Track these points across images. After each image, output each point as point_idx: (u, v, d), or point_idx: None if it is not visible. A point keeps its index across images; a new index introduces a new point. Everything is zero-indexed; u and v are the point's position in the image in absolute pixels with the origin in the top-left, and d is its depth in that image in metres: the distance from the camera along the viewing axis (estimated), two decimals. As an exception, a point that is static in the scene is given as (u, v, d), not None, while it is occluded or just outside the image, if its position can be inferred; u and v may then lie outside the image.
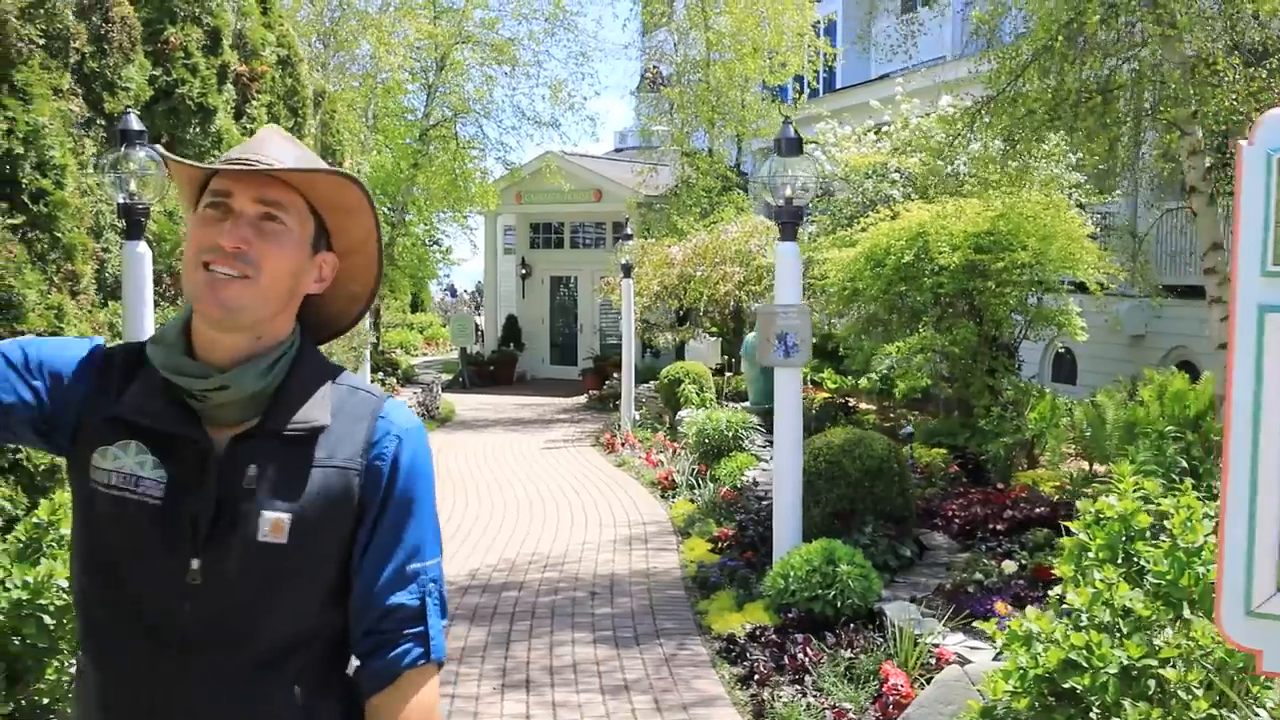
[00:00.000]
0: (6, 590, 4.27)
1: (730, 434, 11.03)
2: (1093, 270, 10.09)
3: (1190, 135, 7.26)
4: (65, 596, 4.42)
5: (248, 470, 1.58)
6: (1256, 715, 3.56)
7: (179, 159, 1.62)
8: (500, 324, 25.14)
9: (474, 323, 25.79)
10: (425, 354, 31.23)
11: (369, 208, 1.68)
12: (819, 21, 20.96)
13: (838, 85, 21.66)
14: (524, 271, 25.33)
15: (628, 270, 15.37)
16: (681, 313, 17.63)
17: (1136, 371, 10.87)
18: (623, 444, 13.83)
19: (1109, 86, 7.33)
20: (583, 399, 20.32)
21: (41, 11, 5.24)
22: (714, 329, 17.33)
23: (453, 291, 43.66)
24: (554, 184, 21.35)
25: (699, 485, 10.53)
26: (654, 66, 22.41)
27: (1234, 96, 6.25)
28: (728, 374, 16.27)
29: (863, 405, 14.04)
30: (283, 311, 1.64)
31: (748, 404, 13.75)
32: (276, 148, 1.63)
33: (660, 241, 17.15)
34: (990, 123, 8.27)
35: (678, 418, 13.95)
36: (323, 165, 1.67)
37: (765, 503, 8.75)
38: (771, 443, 11.73)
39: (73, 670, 4.69)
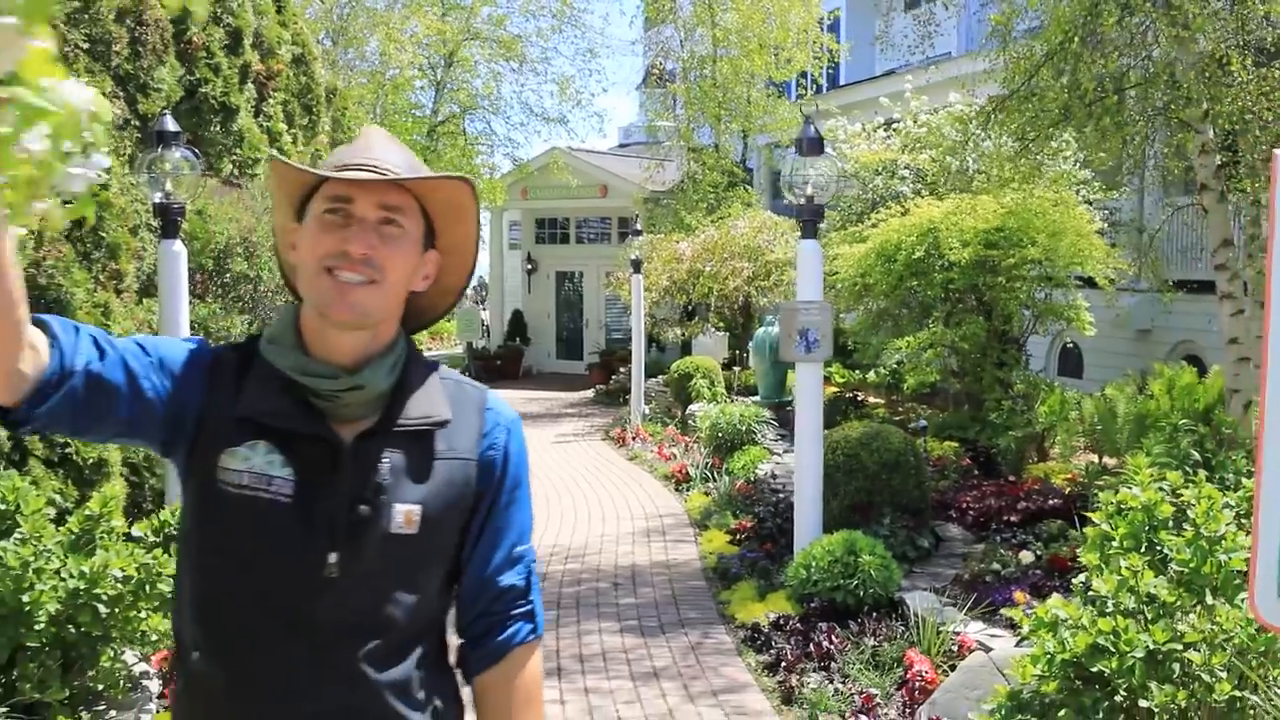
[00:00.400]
0: (63, 580, 4.40)
1: (743, 428, 11.18)
2: (1101, 265, 10.24)
3: (1202, 134, 7.39)
4: (119, 586, 4.56)
5: (380, 465, 1.62)
6: (1278, 696, 3.69)
7: (295, 164, 1.64)
8: (506, 319, 25.28)
9: (480, 317, 25.90)
10: (430, 348, 31.37)
11: (475, 208, 1.73)
12: (824, 18, 21.07)
13: (842, 81, 21.77)
14: (530, 267, 25.45)
15: (637, 266, 15.50)
16: (690, 308, 17.77)
17: (1143, 366, 11.02)
18: (634, 438, 13.96)
19: (1122, 85, 7.46)
20: (589, 393, 20.45)
21: (85, 16, 5.37)
22: (721, 324, 17.47)
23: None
24: (560, 180, 21.48)
25: (713, 478, 10.67)
26: (660, 63, 22.52)
27: (1246, 97, 6.38)
28: (736, 368, 16.42)
29: (871, 399, 14.18)
30: (398, 311, 1.69)
31: (757, 398, 13.90)
32: (387, 151, 1.66)
33: (669, 237, 17.27)
34: (1003, 120, 8.39)
35: (689, 412, 14.09)
36: (430, 172, 1.71)
37: (781, 496, 8.90)
38: (783, 437, 11.92)
39: (124, 658, 4.84)
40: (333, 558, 1.60)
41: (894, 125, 14.09)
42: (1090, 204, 11.72)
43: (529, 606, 1.77)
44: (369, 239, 1.60)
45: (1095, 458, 9.55)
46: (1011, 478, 9.18)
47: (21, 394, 1.46)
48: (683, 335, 18.08)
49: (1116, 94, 7.33)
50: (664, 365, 18.74)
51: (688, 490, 10.70)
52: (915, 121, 13.44)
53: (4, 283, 1.33)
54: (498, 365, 23.87)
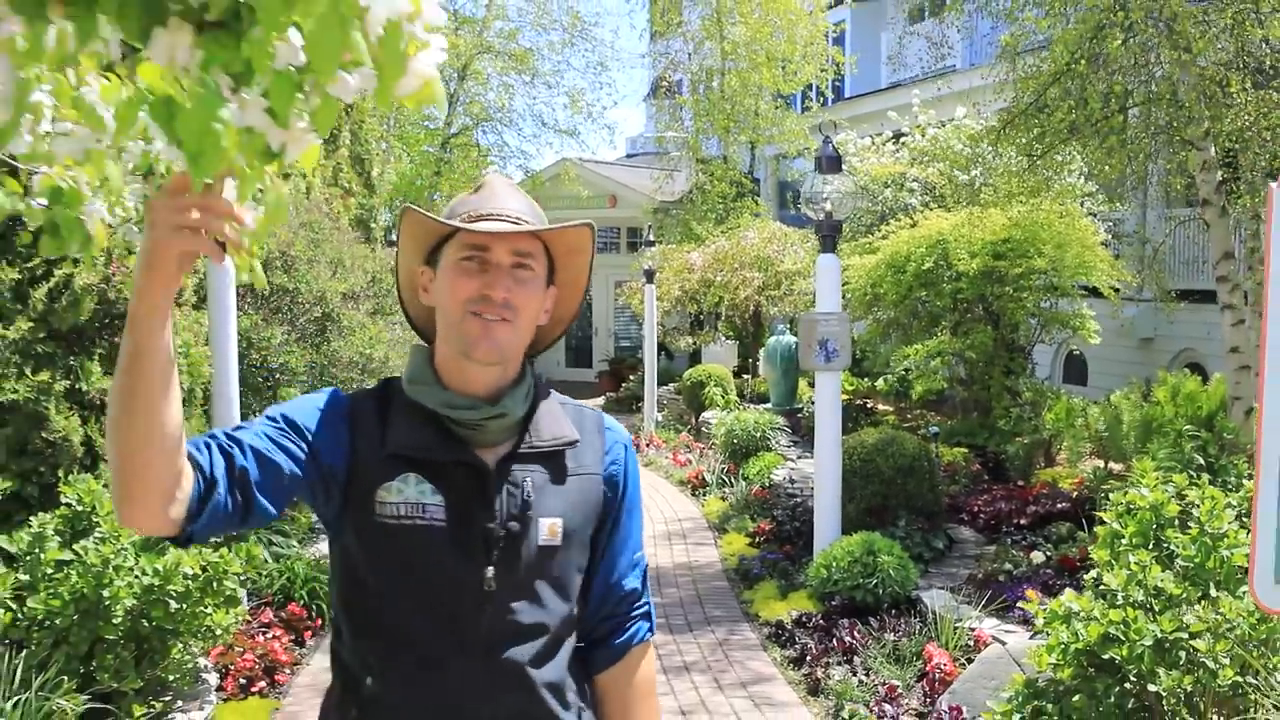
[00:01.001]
0: (138, 577, 4.70)
1: (758, 434, 11.47)
2: (1106, 276, 10.54)
3: (1203, 151, 7.69)
4: (187, 584, 4.85)
5: (525, 484, 1.76)
6: (1277, 682, 3.98)
7: (432, 216, 1.77)
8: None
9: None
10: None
11: (592, 249, 1.87)
12: (830, 30, 21.39)
13: (848, 94, 22.08)
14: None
15: (650, 275, 15.80)
16: (700, 317, 18.07)
17: (1147, 374, 11.30)
18: (647, 444, 14.25)
19: (1126, 104, 7.76)
20: (600, 401, 20.74)
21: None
22: (731, 332, 17.76)
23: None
24: (571, 190, 21.79)
25: (729, 483, 10.96)
26: (668, 75, 22.84)
27: (1245, 117, 6.69)
28: (746, 376, 16.72)
29: (880, 407, 14.46)
30: (525, 344, 1.83)
31: (768, 405, 14.20)
32: (512, 200, 1.79)
33: (680, 247, 17.58)
34: (1012, 136, 8.69)
35: (702, 419, 14.38)
36: (548, 222, 1.84)
37: (797, 499, 9.19)
38: (796, 443, 12.22)
39: (192, 652, 5.14)
40: (489, 572, 1.71)
41: (903, 139, 14.39)
42: (1095, 216, 12.04)
43: (646, 607, 1.94)
44: (506, 283, 1.73)
45: (1101, 463, 9.84)
46: (1020, 482, 9.47)
47: (181, 520, 1.53)
48: (694, 344, 18.37)
49: (1121, 112, 7.63)
50: (673, 373, 19.04)
51: (704, 495, 10.99)
52: (923, 134, 13.74)
53: (165, 363, 1.42)
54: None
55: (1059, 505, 8.13)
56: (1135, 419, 8.83)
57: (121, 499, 1.48)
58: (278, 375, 8.15)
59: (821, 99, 21.79)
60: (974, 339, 10.66)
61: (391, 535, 1.71)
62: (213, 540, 5.49)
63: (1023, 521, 7.98)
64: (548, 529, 1.76)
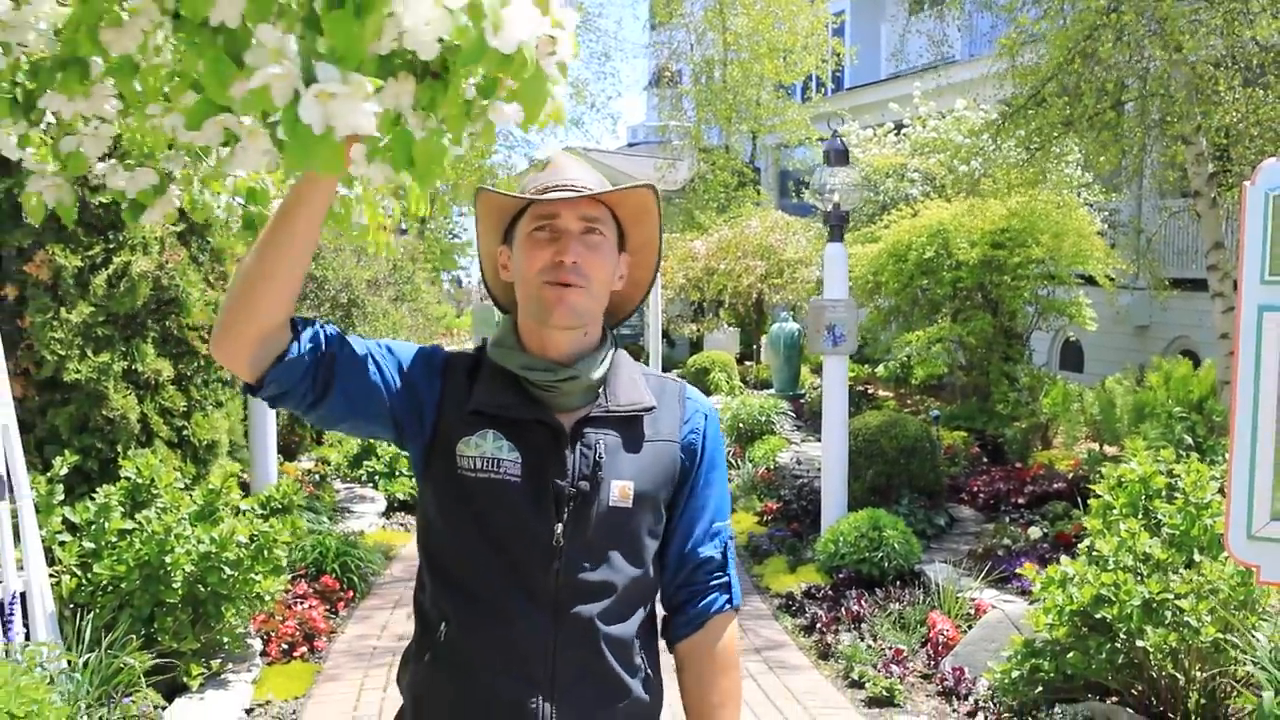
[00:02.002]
0: (196, 545, 5.03)
1: (763, 418, 11.80)
2: (1101, 265, 10.87)
3: (1194, 145, 8.02)
4: (240, 551, 5.19)
5: (597, 446, 1.81)
6: (1255, 640, 4.32)
7: (503, 192, 1.85)
8: (519, 315, 25.85)
9: (495, 314, 26.46)
10: (444, 344, 31.86)
11: (658, 210, 1.89)
12: (830, 21, 21.66)
13: (848, 84, 22.37)
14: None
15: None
16: (703, 304, 18.38)
17: (1142, 360, 11.65)
18: (653, 429, 14.54)
19: (1120, 100, 8.09)
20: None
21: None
22: (734, 320, 18.09)
23: (459, 282, 44.36)
24: (574, 179, 22.02)
25: (735, 466, 11.29)
26: (670, 65, 23.09)
27: (1234, 113, 7.02)
28: (749, 363, 17.06)
29: (881, 393, 14.79)
30: (602, 309, 1.87)
31: (772, 391, 14.53)
32: (579, 171, 1.84)
33: (683, 236, 17.89)
34: (1010, 129, 9.01)
35: (707, 404, 14.71)
36: (617, 185, 1.89)
37: (802, 480, 9.53)
38: (800, 427, 12.56)
39: (243, 616, 5.46)
40: (559, 528, 1.77)
41: (904, 130, 14.70)
42: (1092, 207, 12.37)
43: (725, 578, 1.93)
44: (576, 248, 1.78)
45: (1096, 445, 10.19)
46: (1018, 464, 9.81)
47: (266, 364, 1.65)
48: (697, 331, 18.69)
49: (1114, 108, 7.96)
50: (675, 360, 19.37)
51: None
52: (924, 125, 14.05)
53: (314, 229, 1.59)
54: (511, 360, 24.41)
55: (1055, 485, 8.47)
56: (1129, 403, 9.17)
57: (222, 329, 1.62)
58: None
59: (823, 89, 22.08)
60: (973, 326, 10.98)
61: (469, 488, 1.78)
62: (262, 511, 5.84)
63: (1020, 501, 8.32)
64: (619, 491, 1.80)
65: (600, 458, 1.80)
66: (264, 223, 1.72)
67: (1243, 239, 3.08)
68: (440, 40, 1.07)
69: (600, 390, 1.85)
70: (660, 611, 1.97)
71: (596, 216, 1.81)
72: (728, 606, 1.93)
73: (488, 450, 1.78)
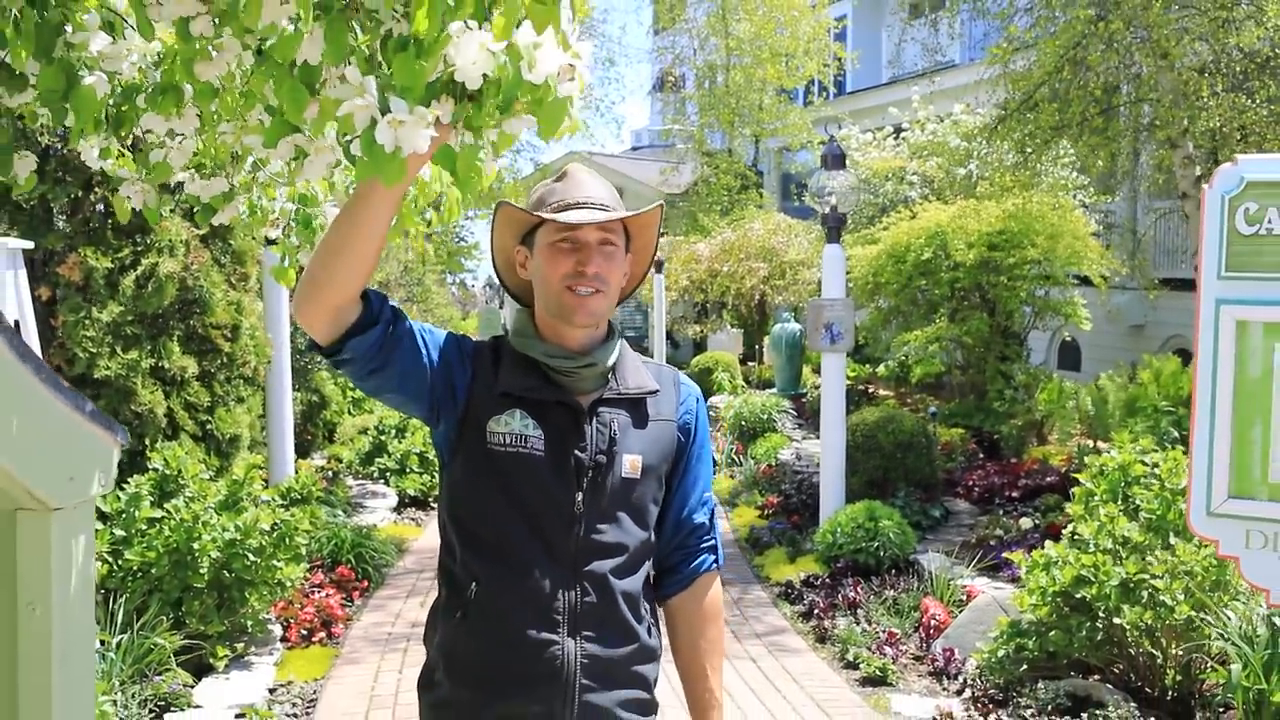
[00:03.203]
0: (222, 533, 5.29)
1: (765, 417, 12.05)
2: (1096, 266, 11.11)
3: (1182, 148, 8.26)
4: (263, 538, 5.44)
5: (611, 424, 2.04)
6: (1226, 617, 4.56)
7: (527, 210, 2.06)
8: (525, 317, 26.12)
9: (500, 316, 26.74)
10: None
11: (658, 221, 2.17)
12: (831, 26, 21.92)
13: (849, 88, 22.62)
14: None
15: (659, 266, 16.36)
16: (706, 305, 18.63)
17: (1137, 358, 11.88)
18: (658, 428, 14.79)
19: (1110, 104, 8.34)
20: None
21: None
22: (737, 321, 18.34)
23: (465, 285, 44.68)
24: (579, 183, 22.28)
25: (738, 463, 11.54)
26: (674, 70, 23.36)
27: (1217, 119, 7.26)
28: (751, 363, 17.31)
29: (881, 391, 15.03)
30: (615, 306, 2.12)
31: (774, 390, 14.78)
32: (595, 188, 2.06)
33: (687, 239, 18.15)
34: (1004, 133, 9.25)
35: (710, 403, 14.97)
36: (624, 207, 2.11)
37: (802, 476, 9.77)
38: (801, 425, 12.81)
39: (265, 602, 5.71)
40: (579, 496, 2.00)
41: (902, 134, 14.94)
42: (1087, 208, 12.61)
43: (712, 540, 2.19)
44: (596, 260, 2.01)
45: (1090, 441, 10.42)
46: (1013, 460, 10.04)
47: (340, 330, 1.87)
48: (700, 332, 18.94)
49: (1103, 114, 8.20)
50: (679, 361, 19.61)
51: (715, 473, 11.55)
52: (922, 129, 14.30)
53: (389, 213, 1.79)
54: (517, 361, 24.67)
55: (1048, 479, 8.71)
56: (1120, 399, 9.40)
57: (304, 296, 1.83)
58: (319, 360, 8.72)
59: (824, 93, 22.33)
60: (971, 326, 11.22)
61: (498, 461, 1.99)
62: (283, 501, 6.10)
63: (1014, 494, 8.56)
64: (629, 463, 2.03)
65: (615, 434, 2.03)
66: (311, 221, 1.98)
67: (1202, 238, 3.33)
68: (484, 75, 1.32)
69: (610, 375, 2.08)
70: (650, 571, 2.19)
71: (612, 229, 2.05)
72: (714, 565, 2.19)
73: (515, 427, 2.00)
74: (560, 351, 2.05)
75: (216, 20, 1.39)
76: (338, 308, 1.84)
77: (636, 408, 2.09)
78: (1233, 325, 3.30)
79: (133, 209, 1.84)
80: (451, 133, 1.54)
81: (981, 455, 10.43)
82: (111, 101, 1.77)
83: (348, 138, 1.36)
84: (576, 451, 2.01)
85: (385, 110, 1.21)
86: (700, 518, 2.17)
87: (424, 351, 2.00)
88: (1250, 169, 3.30)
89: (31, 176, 1.74)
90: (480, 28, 1.31)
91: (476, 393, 2.03)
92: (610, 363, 2.08)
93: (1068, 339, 14.30)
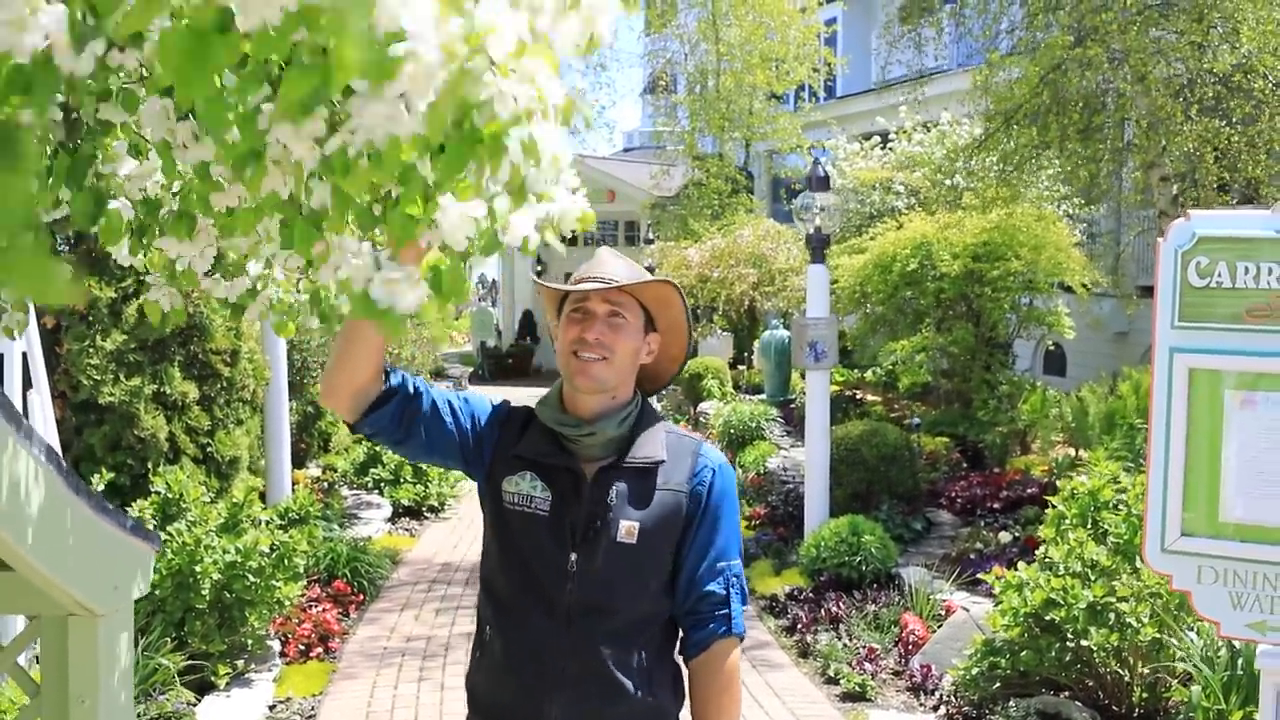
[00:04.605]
0: (223, 555, 5.46)
1: (753, 424, 12.23)
2: (1079, 276, 11.31)
3: (1159, 168, 8.46)
4: (262, 560, 5.62)
5: (610, 491, 2.16)
6: (1188, 640, 4.76)
7: (549, 284, 2.29)
8: (517, 319, 26.30)
9: (493, 318, 26.90)
10: (444, 347, 32.30)
11: (680, 301, 2.27)
12: (822, 31, 22.09)
13: (839, 93, 22.79)
14: (539, 269, 26.45)
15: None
16: (697, 310, 18.80)
17: (1120, 364, 12.10)
18: (648, 434, 14.95)
19: (1088, 126, 8.53)
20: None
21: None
22: (727, 326, 18.51)
23: (459, 283, 44.80)
24: (569, 186, 22.43)
25: (727, 471, 11.72)
26: (665, 73, 23.51)
27: (1190, 143, 7.46)
28: (741, 368, 17.48)
29: (869, 397, 15.23)
30: (629, 378, 2.24)
31: (763, 396, 14.96)
32: (612, 265, 2.23)
33: (678, 244, 18.32)
34: (988, 148, 9.45)
35: (700, 409, 15.14)
36: (649, 277, 2.27)
37: (790, 486, 9.96)
38: (789, 433, 12.99)
39: (264, 619, 5.89)
40: (573, 556, 2.14)
41: (889, 144, 15.12)
42: (1071, 218, 12.80)
43: (727, 610, 2.23)
44: (599, 329, 2.17)
45: (1071, 451, 10.63)
46: (996, 469, 10.24)
47: (362, 410, 2.10)
48: (692, 337, 19.05)
49: (1081, 134, 8.40)
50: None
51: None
52: (909, 138, 14.48)
53: (378, 340, 2.06)
54: (509, 363, 24.84)
55: (1029, 491, 8.90)
56: (1100, 411, 9.62)
57: (326, 387, 2.11)
58: (314, 373, 8.89)
59: (814, 97, 22.50)
60: (956, 335, 11.40)
61: (509, 517, 2.19)
62: (281, 522, 6.26)
63: (996, 506, 8.75)
64: (625, 529, 2.15)
65: (611, 501, 2.17)
66: (334, 313, 2.17)
67: (1157, 289, 3.51)
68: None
69: (625, 445, 2.22)
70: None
71: (621, 303, 2.19)
72: (724, 635, 2.23)
73: (524, 488, 2.18)
74: (569, 420, 2.21)
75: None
76: (353, 394, 2.08)
77: (643, 477, 2.20)
78: (1185, 373, 3.49)
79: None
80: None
81: (965, 465, 10.62)
82: (136, 214, 1.95)
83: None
84: (573, 515, 2.16)
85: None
86: (711, 586, 2.23)
87: (449, 419, 2.20)
88: (1202, 225, 3.48)
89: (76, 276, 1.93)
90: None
91: (498, 454, 2.23)
92: (614, 433, 2.20)
93: (1051, 348, 14.50)
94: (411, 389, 2.15)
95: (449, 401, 2.23)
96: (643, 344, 2.24)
